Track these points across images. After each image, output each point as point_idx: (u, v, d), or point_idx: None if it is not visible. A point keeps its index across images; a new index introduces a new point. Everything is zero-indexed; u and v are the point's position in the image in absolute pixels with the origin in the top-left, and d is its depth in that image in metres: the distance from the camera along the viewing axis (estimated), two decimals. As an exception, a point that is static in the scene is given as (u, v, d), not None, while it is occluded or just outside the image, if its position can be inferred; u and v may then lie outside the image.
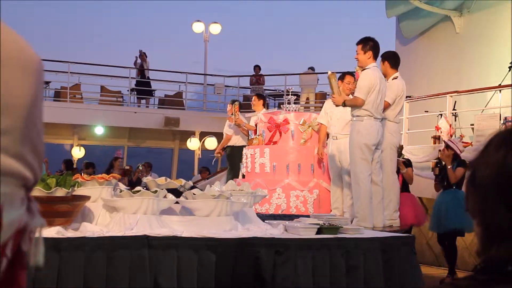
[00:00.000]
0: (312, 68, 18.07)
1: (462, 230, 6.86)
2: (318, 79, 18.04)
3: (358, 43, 6.33)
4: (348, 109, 6.43)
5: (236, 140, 9.59)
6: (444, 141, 6.33)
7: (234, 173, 9.22)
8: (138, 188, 4.44)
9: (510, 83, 8.31)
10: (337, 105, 6.44)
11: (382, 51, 6.84)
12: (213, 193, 4.50)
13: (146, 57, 17.51)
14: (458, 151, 6.86)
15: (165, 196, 4.35)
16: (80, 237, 3.83)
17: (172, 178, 5.16)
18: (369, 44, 6.27)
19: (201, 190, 4.65)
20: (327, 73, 6.43)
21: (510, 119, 7.70)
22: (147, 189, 4.51)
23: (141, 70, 17.37)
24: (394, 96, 6.62)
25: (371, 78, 6.15)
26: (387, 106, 6.55)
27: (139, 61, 17.54)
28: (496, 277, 0.93)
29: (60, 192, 3.98)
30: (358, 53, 6.29)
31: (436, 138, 8.90)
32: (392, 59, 6.75)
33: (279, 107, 12.20)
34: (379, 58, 6.58)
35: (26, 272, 1.03)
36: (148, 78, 17.66)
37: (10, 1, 43.69)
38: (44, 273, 3.55)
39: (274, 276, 4.01)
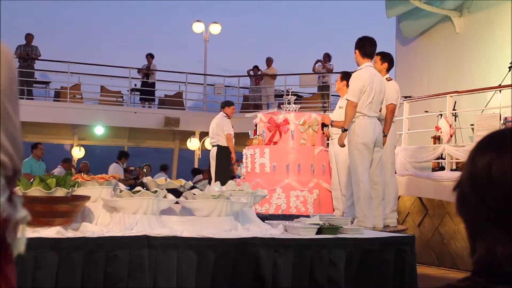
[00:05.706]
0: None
1: None
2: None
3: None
4: None
5: (223, 140, 9.75)
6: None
7: (221, 171, 9.47)
8: (138, 188, 4.44)
9: (510, 83, 8.30)
10: (340, 145, 6.26)
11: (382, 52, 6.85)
12: (213, 193, 4.50)
13: (153, 58, 17.46)
14: None
15: (165, 196, 4.35)
16: (80, 237, 3.83)
17: (172, 178, 5.17)
18: (357, 43, 6.20)
19: (201, 190, 4.66)
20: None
21: (510, 119, 7.69)
22: (147, 189, 4.52)
23: (146, 73, 17.33)
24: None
25: (362, 79, 6.04)
26: (393, 108, 6.53)
27: (146, 63, 17.48)
28: (495, 279, 0.93)
29: (60, 192, 3.98)
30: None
31: (436, 138, 8.89)
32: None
33: (279, 107, 12.19)
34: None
35: (14, 266, 1.04)
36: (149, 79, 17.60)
37: (10, 1, 43.72)
38: (44, 273, 3.56)
39: (274, 276, 4.01)
